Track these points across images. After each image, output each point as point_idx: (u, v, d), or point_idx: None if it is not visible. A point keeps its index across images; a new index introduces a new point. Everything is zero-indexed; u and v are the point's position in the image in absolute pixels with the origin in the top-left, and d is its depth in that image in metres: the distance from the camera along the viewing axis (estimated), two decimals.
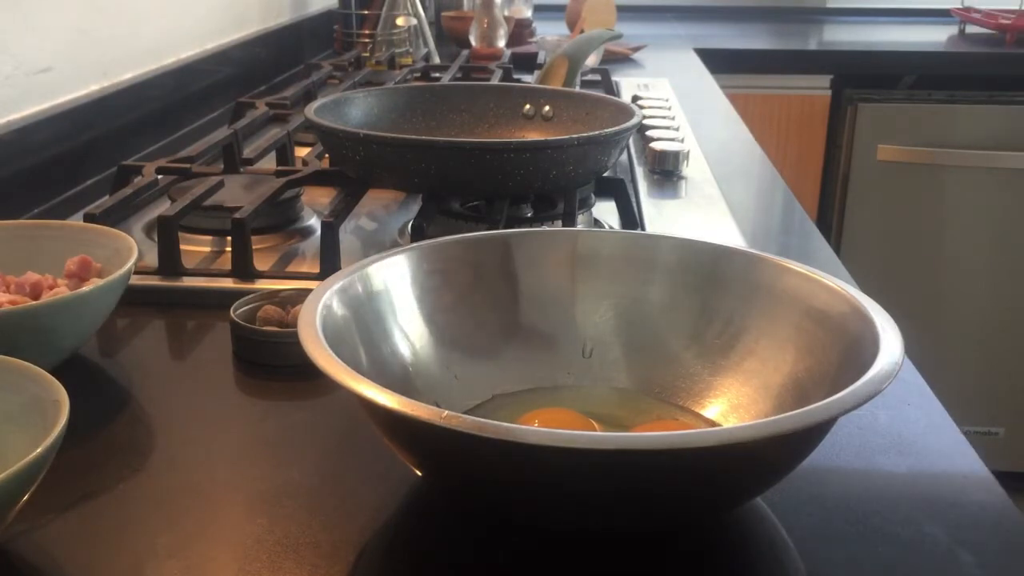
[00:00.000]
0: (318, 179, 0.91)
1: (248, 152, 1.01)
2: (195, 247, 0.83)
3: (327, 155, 0.96)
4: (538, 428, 0.46)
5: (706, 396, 0.55)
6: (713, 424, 0.54)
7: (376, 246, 0.84)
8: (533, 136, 0.97)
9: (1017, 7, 2.16)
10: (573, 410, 0.53)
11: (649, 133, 1.14)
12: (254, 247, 0.76)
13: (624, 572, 0.45)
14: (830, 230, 2.03)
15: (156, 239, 0.76)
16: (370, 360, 0.51)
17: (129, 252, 0.64)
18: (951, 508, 0.51)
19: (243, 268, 0.74)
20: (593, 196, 0.91)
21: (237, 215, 0.76)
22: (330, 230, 0.76)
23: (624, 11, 1.94)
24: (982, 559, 0.47)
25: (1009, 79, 1.94)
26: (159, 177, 0.90)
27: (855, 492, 0.51)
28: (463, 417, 0.40)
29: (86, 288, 0.60)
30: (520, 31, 1.92)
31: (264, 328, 0.63)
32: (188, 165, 0.94)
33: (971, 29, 2.23)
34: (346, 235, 0.83)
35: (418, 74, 1.48)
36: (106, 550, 0.46)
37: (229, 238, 0.77)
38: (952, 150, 1.89)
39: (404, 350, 0.55)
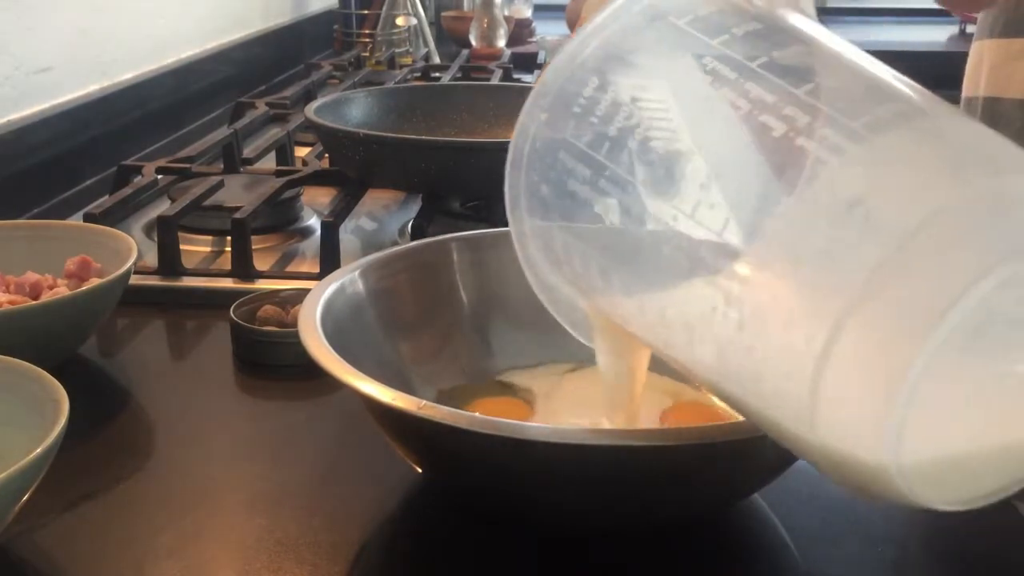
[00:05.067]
0: (318, 179, 0.91)
1: (248, 152, 1.01)
2: (195, 247, 0.83)
3: (327, 155, 0.96)
4: (519, 422, 0.45)
5: None
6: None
7: (376, 246, 0.84)
8: None
9: None
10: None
11: None
12: (254, 247, 0.76)
13: (623, 571, 0.45)
14: None
15: (156, 239, 0.76)
16: (372, 355, 0.51)
17: (129, 252, 0.64)
18: None
19: (243, 268, 0.74)
20: None
21: (237, 215, 0.76)
22: (330, 230, 0.76)
23: None
24: (983, 559, 0.47)
25: None
26: (159, 177, 0.90)
27: None
28: (440, 408, 0.40)
29: (85, 288, 0.60)
30: (520, 31, 1.92)
31: (264, 328, 0.63)
32: (188, 165, 0.94)
33: (971, 29, 2.23)
34: (346, 235, 0.83)
35: (418, 74, 1.48)
36: (106, 550, 0.46)
37: (229, 238, 0.77)
38: None
39: (405, 344, 0.55)
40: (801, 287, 0.30)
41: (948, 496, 0.31)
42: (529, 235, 0.40)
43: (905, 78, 0.33)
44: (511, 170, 0.40)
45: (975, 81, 0.67)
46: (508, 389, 0.56)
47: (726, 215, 0.31)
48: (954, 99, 0.70)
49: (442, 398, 0.54)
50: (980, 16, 0.67)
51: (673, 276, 0.33)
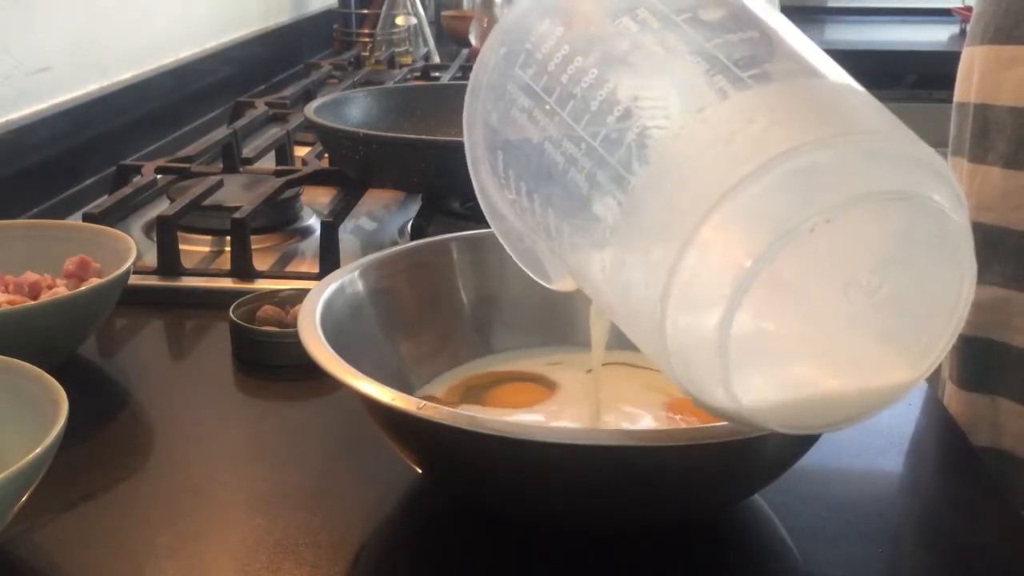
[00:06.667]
0: (318, 179, 0.91)
1: (247, 152, 1.01)
2: (194, 247, 0.83)
3: (327, 155, 0.96)
4: (518, 422, 0.46)
5: None
6: None
7: (376, 246, 0.84)
8: None
9: None
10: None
11: None
12: (253, 247, 0.76)
13: (623, 571, 0.45)
14: None
15: (155, 239, 0.76)
16: (372, 355, 0.51)
17: (128, 252, 0.64)
18: (952, 508, 0.51)
19: (242, 268, 0.74)
20: None
21: (237, 215, 0.75)
22: (330, 230, 0.76)
23: None
24: (984, 560, 0.47)
25: None
26: (158, 177, 0.90)
27: (856, 492, 0.51)
28: (439, 408, 0.40)
29: (85, 288, 0.60)
30: None
31: (263, 328, 0.63)
32: (187, 165, 0.94)
33: None
34: (346, 235, 0.83)
35: (418, 73, 1.48)
36: (106, 550, 0.46)
37: (228, 238, 0.77)
38: None
39: (405, 344, 0.55)
40: (665, 208, 0.34)
41: (789, 422, 0.35)
42: (482, 160, 0.44)
43: (816, 49, 0.37)
44: (470, 98, 0.43)
45: (966, 87, 0.67)
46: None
47: (625, 146, 0.35)
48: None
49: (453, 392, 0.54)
50: (971, 22, 0.67)
51: (576, 198, 0.37)
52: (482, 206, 0.45)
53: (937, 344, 0.36)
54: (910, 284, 0.35)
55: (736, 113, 0.34)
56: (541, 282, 0.45)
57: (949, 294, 0.35)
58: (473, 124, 0.43)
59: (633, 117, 0.35)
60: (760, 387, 0.34)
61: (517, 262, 0.46)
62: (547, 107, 0.38)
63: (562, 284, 0.44)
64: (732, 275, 0.32)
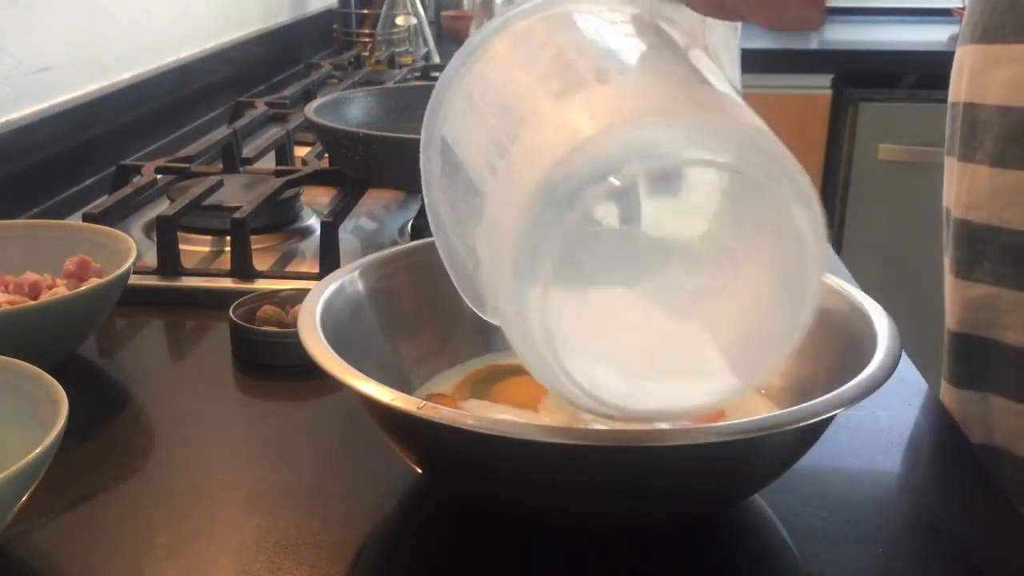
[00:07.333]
0: (318, 179, 0.91)
1: (247, 152, 1.01)
2: (194, 247, 0.83)
3: (327, 155, 0.96)
4: (511, 420, 0.46)
5: None
6: None
7: (376, 246, 0.84)
8: None
9: None
10: None
11: None
12: (253, 247, 0.76)
13: (624, 571, 0.45)
14: (831, 229, 2.03)
15: (155, 239, 0.76)
16: (372, 355, 0.51)
17: (128, 252, 0.64)
18: (952, 509, 0.51)
19: (242, 268, 0.74)
20: None
21: (237, 215, 0.75)
22: (330, 230, 0.76)
23: None
24: (984, 560, 0.47)
25: None
26: (158, 177, 0.90)
27: (856, 492, 0.51)
28: (439, 408, 0.40)
29: (85, 288, 0.60)
30: None
31: (263, 328, 0.63)
32: (187, 165, 0.94)
33: None
34: (346, 235, 0.83)
35: (418, 73, 1.48)
36: (105, 550, 0.46)
37: (229, 238, 0.77)
38: None
39: (405, 344, 0.55)
40: (524, 179, 0.36)
41: (645, 408, 0.38)
42: (434, 176, 0.45)
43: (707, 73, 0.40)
44: (429, 115, 0.45)
45: (957, 87, 0.67)
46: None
47: (516, 126, 0.38)
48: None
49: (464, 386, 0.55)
50: (963, 22, 0.67)
51: (478, 182, 0.40)
52: (431, 224, 0.46)
53: (768, 360, 0.37)
54: (750, 288, 0.36)
55: (608, 94, 0.37)
56: (477, 311, 0.45)
57: (787, 309, 0.36)
58: (430, 140, 0.44)
59: (535, 108, 0.38)
60: (604, 375, 0.36)
61: (458, 289, 0.46)
62: (478, 108, 0.41)
63: (497, 317, 0.45)
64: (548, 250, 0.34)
